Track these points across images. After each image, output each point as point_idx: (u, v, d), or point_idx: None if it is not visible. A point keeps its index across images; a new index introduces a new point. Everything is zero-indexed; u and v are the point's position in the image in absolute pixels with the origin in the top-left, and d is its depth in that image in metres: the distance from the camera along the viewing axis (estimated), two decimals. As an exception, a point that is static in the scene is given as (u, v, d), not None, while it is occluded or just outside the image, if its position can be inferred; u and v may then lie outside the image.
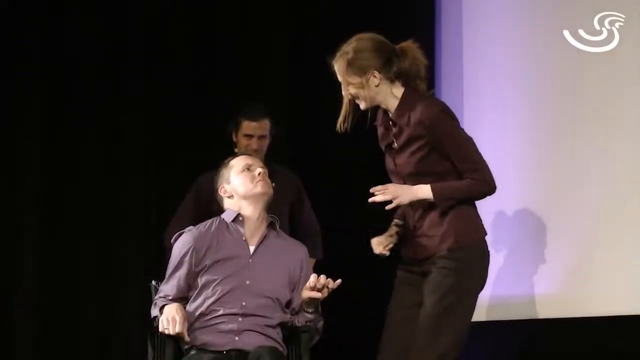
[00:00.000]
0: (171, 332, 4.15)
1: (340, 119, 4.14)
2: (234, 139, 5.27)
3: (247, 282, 4.23)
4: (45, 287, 5.56)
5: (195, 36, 5.97)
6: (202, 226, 4.37)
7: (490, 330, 5.45)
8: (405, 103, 4.08)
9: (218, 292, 4.21)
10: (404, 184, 4.10)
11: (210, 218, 4.45)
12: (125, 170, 5.79)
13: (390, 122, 4.13)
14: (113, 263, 5.71)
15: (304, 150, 5.77)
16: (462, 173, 4.05)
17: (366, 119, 4.19)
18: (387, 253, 4.21)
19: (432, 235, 4.08)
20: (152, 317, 4.31)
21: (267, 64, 6.01)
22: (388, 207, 4.08)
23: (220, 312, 4.20)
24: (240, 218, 4.34)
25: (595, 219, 5.30)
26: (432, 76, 5.76)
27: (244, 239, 4.32)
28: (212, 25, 5.99)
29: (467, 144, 4.08)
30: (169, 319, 4.15)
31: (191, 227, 4.39)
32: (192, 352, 4.19)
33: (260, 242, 4.32)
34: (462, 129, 4.13)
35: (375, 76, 4.07)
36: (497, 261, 5.40)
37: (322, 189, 5.57)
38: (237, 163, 4.40)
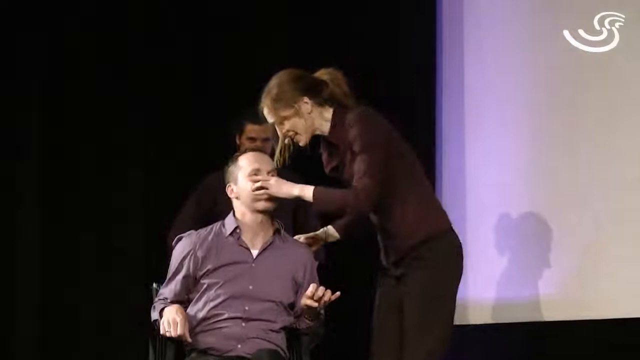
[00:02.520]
0: (173, 335, 4.10)
1: (276, 155, 4.14)
2: (237, 142, 5.24)
3: (250, 287, 4.19)
4: (45, 287, 5.57)
5: (194, 36, 5.96)
6: (203, 230, 4.32)
7: (493, 332, 5.46)
8: (336, 121, 4.06)
9: (220, 296, 4.18)
10: None
11: (214, 219, 4.40)
12: (125, 170, 5.79)
13: (330, 145, 4.11)
14: (113, 263, 5.72)
15: (304, 151, 5.75)
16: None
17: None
18: None
19: (395, 236, 4.04)
20: (152, 320, 4.28)
21: (267, 64, 5.99)
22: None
23: (224, 316, 4.16)
24: (241, 226, 4.27)
25: (597, 220, 5.31)
26: (431, 78, 5.80)
27: (245, 244, 4.27)
28: (211, 25, 5.99)
29: (370, 152, 3.96)
30: (170, 321, 4.11)
31: (192, 230, 4.35)
32: (193, 355, 4.17)
33: (264, 248, 4.27)
34: (379, 137, 3.98)
35: (306, 102, 4.05)
36: (500, 264, 5.41)
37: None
38: (245, 165, 4.28)
